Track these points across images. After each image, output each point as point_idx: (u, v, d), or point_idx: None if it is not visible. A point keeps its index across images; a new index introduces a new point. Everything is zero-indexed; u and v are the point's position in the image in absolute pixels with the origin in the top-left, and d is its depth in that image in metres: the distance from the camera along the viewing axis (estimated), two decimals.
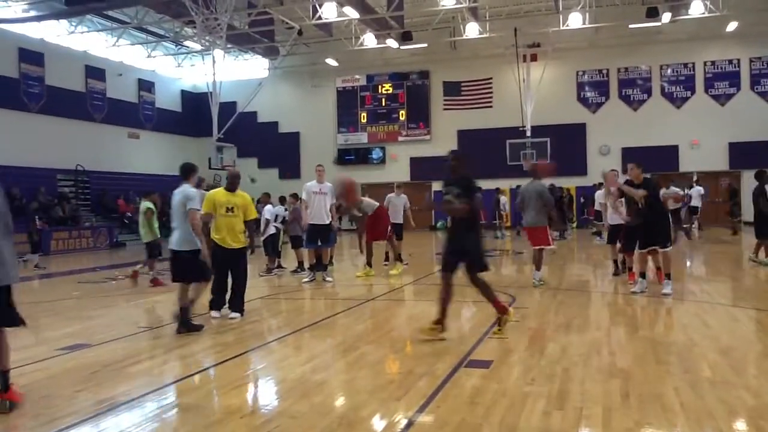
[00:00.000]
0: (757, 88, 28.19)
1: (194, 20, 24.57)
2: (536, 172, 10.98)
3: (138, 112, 30.96)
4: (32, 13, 24.38)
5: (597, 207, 21.47)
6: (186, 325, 7.49)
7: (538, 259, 10.82)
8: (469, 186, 6.84)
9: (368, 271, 12.90)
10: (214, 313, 8.39)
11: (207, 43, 26.97)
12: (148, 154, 30.79)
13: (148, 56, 30.90)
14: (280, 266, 14.10)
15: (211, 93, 27.16)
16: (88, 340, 7.28)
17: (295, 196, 14.41)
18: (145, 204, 12.46)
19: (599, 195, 14.50)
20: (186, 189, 7.69)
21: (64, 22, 26.08)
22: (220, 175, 27.65)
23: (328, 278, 12.14)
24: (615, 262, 11.74)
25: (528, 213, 10.57)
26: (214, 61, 27.05)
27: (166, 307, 9.73)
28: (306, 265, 12.87)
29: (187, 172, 7.90)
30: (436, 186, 31.03)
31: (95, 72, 28.19)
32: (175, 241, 7.70)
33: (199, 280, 7.77)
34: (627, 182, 9.77)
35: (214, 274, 8.19)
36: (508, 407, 4.53)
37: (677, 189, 18.13)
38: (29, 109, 24.88)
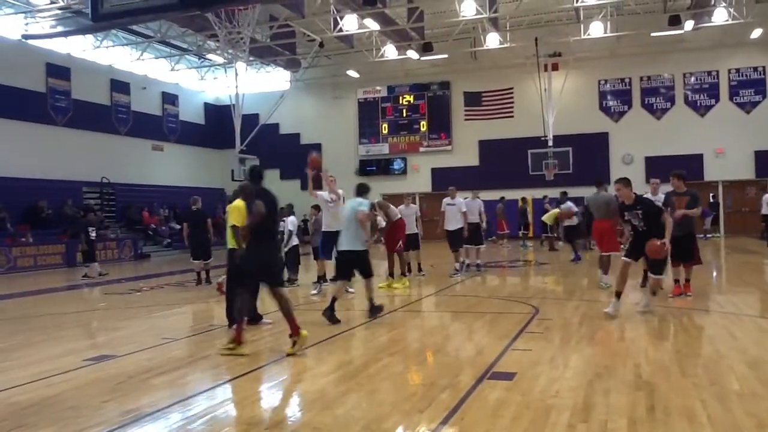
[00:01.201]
0: None
1: (217, 34, 24.85)
2: (601, 184, 11.83)
3: (162, 125, 31.35)
4: (59, 29, 24.86)
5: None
6: (373, 311, 9.05)
7: (605, 264, 11.39)
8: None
9: (390, 282, 12.90)
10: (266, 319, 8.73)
11: (229, 56, 27.25)
12: (171, 166, 31.16)
13: (172, 69, 31.32)
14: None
15: (233, 105, 27.36)
16: (113, 351, 7.35)
17: (317, 208, 14.46)
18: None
19: None
20: (360, 199, 9.29)
21: (89, 36, 26.55)
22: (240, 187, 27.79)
23: (350, 290, 12.11)
24: (645, 272, 10.97)
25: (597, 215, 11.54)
26: (236, 74, 27.27)
27: (189, 319, 9.83)
28: (317, 275, 12.94)
29: (366, 190, 9.64)
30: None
31: (120, 85, 28.63)
32: (345, 242, 9.02)
33: (370, 276, 9.12)
34: (621, 204, 9.13)
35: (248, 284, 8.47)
36: (532, 420, 4.50)
37: (571, 204, 18.04)
38: (56, 122, 25.31)
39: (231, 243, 8.73)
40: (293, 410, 5.19)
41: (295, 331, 6.90)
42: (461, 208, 14.44)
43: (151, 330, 9.19)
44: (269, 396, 5.63)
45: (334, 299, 8.80)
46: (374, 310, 9.14)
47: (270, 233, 7.18)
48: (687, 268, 10.13)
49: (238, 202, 8.73)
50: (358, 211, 8.99)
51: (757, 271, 14.35)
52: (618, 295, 8.53)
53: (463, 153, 31.32)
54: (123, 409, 5.05)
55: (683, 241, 9.71)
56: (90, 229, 17.72)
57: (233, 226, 8.52)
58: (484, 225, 15.64)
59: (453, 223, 14.36)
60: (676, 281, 10.09)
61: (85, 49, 26.89)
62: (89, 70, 26.96)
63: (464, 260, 15.00)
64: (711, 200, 25.85)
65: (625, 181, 8.80)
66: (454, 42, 28.35)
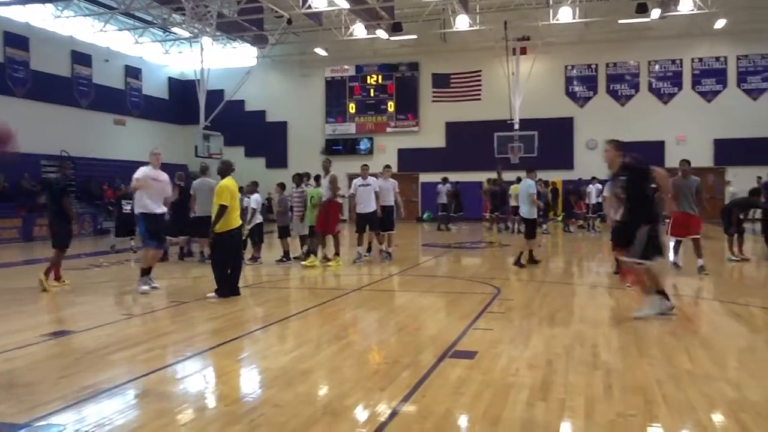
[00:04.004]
0: (743, 86, 28.39)
1: (183, 6, 24.35)
2: (686, 172, 11.49)
3: (125, 99, 30.69)
4: None
5: (591, 200, 21.87)
6: (528, 262, 12.23)
7: (698, 248, 11.27)
8: None
9: (337, 260, 12.81)
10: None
11: (195, 30, 26.78)
12: (134, 141, 30.52)
13: (136, 42, 30.58)
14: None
15: (198, 81, 27.00)
16: (71, 326, 7.23)
17: (282, 186, 14.38)
18: (320, 191, 13.22)
19: (597, 189, 14.45)
20: (531, 181, 12.48)
21: (50, 5, 25.75)
22: (206, 163, 27.48)
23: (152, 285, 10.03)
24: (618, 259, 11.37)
25: (685, 204, 11.20)
26: (202, 49, 26.86)
27: (150, 295, 9.69)
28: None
29: (532, 169, 12.82)
30: (423, 177, 31.10)
31: (81, 57, 27.89)
32: (525, 213, 12.53)
33: (531, 238, 12.59)
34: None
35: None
36: (492, 398, 4.55)
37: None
38: (14, 93, 24.58)
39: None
40: (254, 387, 5.16)
41: None
42: (375, 188, 13.40)
43: (111, 306, 9.06)
44: (230, 373, 5.60)
45: (521, 253, 12.26)
46: (521, 264, 11.90)
47: None
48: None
49: (228, 181, 9.05)
50: (530, 193, 12.35)
51: (713, 256, 14.69)
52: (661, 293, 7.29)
53: (430, 134, 31.36)
54: (80, 385, 4.96)
55: (628, 227, 9.81)
56: (124, 201, 17.01)
57: (222, 206, 8.84)
58: (402, 208, 14.48)
59: (367, 205, 13.32)
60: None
61: (45, 18, 26.06)
62: (49, 40, 26.18)
63: (381, 248, 13.76)
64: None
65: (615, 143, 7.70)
66: (423, 23, 28.24)
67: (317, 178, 13.72)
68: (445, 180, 25.87)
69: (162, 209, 9.97)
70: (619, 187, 7.41)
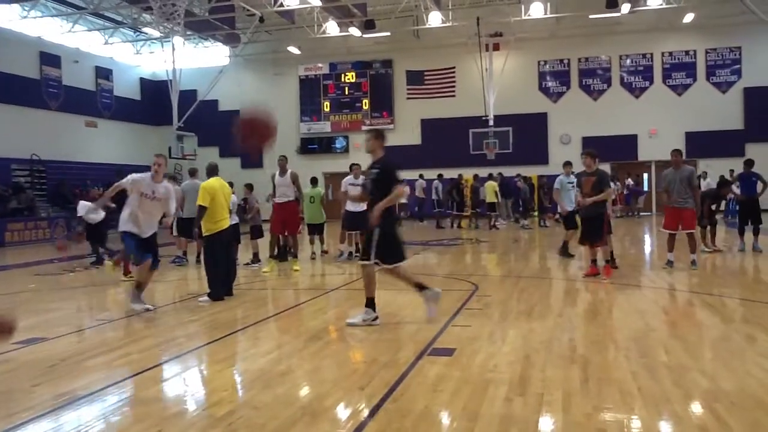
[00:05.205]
0: (712, 79, 28.81)
1: (152, 6, 24.09)
2: (678, 162, 11.23)
3: (96, 100, 30.24)
4: None
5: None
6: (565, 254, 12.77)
7: (691, 242, 11.08)
8: None
9: (273, 265, 12.36)
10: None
11: (166, 30, 26.50)
12: (106, 143, 30.16)
13: (106, 43, 30.15)
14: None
15: (170, 81, 26.75)
16: (45, 333, 7.12)
17: (250, 187, 14.28)
18: (320, 190, 14.45)
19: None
20: (563, 178, 12.95)
21: (16, 6, 25.30)
22: (180, 165, 27.29)
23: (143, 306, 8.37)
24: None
25: (676, 197, 10.96)
26: (173, 49, 26.60)
27: (125, 300, 9.58)
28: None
29: (567, 165, 13.36)
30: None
31: (50, 58, 27.42)
32: (564, 206, 12.75)
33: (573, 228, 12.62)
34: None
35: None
36: (470, 394, 4.58)
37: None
38: None
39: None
40: (232, 390, 5.13)
41: None
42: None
43: (85, 311, 8.95)
44: (208, 376, 5.56)
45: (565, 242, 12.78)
46: (565, 253, 12.57)
47: None
48: (593, 249, 10.33)
49: (211, 182, 9.05)
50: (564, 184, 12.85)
51: (686, 248, 14.92)
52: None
53: (406, 132, 31.35)
54: (56, 393, 4.90)
55: (593, 222, 10.05)
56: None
57: (200, 206, 8.80)
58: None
59: (358, 204, 12.71)
60: (593, 261, 10.28)
61: (12, 19, 25.58)
62: (16, 41, 25.70)
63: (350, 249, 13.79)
64: (629, 182, 26.71)
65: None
66: (396, 20, 28.23)
67: (314, 180, 14.08)
68: (440, 176, 25.78)
69: (153, 229, 8.42)
70: (369, 179, 7.16)
